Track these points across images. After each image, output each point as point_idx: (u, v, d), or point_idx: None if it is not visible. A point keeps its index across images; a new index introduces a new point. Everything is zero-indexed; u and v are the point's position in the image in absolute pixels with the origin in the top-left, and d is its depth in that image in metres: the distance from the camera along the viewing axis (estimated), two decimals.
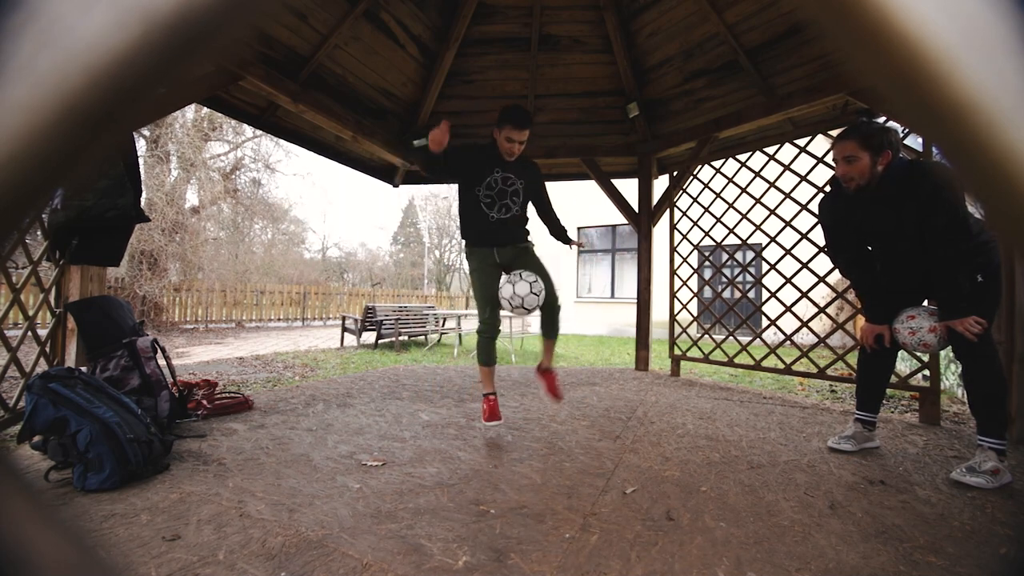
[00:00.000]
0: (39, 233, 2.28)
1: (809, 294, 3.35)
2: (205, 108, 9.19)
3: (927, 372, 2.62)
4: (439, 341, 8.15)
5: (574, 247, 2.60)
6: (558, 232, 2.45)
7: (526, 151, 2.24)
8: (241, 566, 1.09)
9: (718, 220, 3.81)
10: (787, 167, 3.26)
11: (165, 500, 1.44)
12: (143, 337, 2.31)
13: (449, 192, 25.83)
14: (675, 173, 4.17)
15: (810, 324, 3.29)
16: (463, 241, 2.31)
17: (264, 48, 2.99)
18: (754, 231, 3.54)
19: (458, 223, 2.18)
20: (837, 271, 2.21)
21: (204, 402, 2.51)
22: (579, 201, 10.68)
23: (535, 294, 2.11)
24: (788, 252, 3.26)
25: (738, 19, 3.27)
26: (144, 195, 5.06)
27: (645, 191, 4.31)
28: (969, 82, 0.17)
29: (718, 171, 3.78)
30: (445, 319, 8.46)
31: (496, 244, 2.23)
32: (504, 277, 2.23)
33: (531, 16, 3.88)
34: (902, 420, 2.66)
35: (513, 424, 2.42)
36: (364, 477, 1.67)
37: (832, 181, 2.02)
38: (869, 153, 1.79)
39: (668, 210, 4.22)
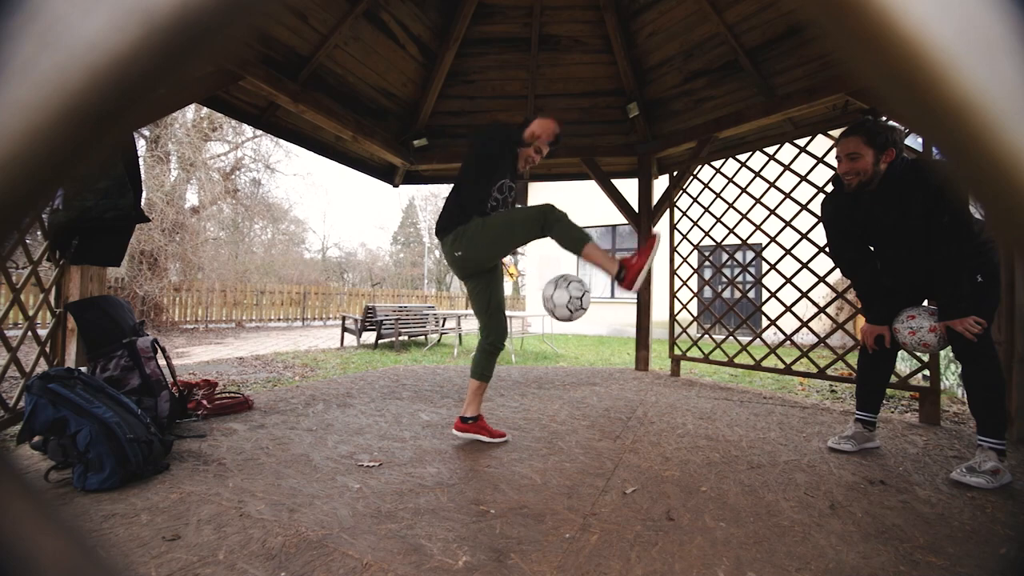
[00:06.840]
0: (39, 233, 2.28)
1: (809, 294, 3.35)
2: (205, 108, 9.18)
3: (927, 372, 2.62)
4: (439, 341, 8.14)
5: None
6: None
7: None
8: (241, 566, 1.09)
9: (718, 220, 3.81)
10: (787, 167, 3.26)
11: (165, 500, 1.44)
12: (143, 337, 2.31)
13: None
14: (675, 173, 4.17)
15: (810, 324, 3.29)
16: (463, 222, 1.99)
17: (264, 48, 2.99)
18: (754, 231, 3.54)
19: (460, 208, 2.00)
20: (837, 271, 2.21)
21: (204, 402, 2.51)
22: (579, 201, 10.68)
23: (579, 298, 2.11)
24: (788, 252, 3.26)
25: (738, 19, 3.27)
26: (144, 195, 5.06)
27: (645, 191, 4.31)
28: (968, 82, 0.17)
29: (718, 171, 3.78)
30: (445, 319, 8.45)
31: None
32: (552, 284, 2.14)
33: (531, 16, 3.88)
34: (902, 420, 2.66)
35: (513, 424, 2.42)
36: (364, 477, 1.67)
37: (834, 180, 2.02)
38: (873, 150, 1.78)
39: (668, 210, 4.22)
